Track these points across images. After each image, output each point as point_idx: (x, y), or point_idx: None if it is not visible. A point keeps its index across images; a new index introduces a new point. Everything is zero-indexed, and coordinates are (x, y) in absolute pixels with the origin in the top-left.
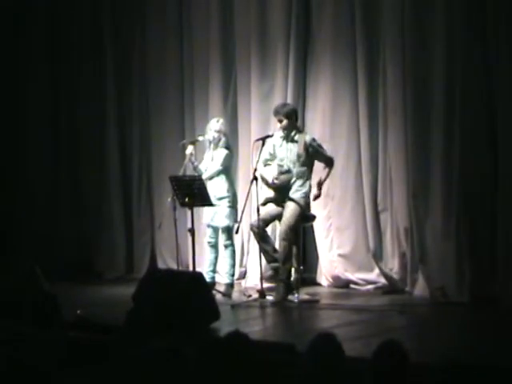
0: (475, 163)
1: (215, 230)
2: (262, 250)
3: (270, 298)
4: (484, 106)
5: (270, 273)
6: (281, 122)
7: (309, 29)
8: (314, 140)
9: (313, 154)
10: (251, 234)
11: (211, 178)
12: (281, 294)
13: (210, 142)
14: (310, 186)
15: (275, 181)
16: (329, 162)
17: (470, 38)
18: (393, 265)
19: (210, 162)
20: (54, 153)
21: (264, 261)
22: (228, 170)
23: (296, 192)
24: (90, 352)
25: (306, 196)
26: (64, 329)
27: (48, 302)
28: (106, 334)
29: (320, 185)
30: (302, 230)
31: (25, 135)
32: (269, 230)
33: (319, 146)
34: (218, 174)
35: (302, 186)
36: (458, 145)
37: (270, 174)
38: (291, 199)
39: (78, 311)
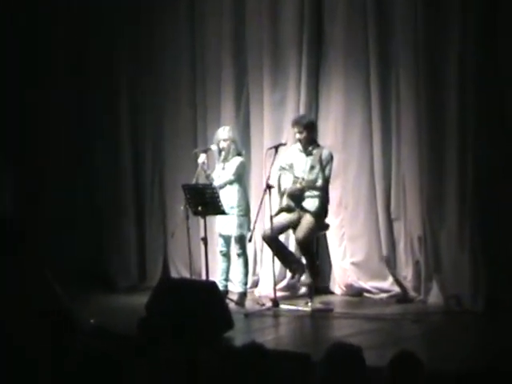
0: (490, 172)
1: (227, 239)
2: (279, 259)
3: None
4: (499, 114)
5: (285, 281)
6: (300, 133)
7: (321, 38)
8: (329, 156)
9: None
10: (263, 243)
11: (223, 186)
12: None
13: (221, 151)
14: (327, 195)
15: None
16: (319, 180)
17: (483, 42)
18: (406, 273)
19: (221, 170)
20: (71, 164)
21: (277, 269)
22: (241, 178)
23: (311, 202)
24: (102, 361)
25: (323, 205)
26: (77, 338)
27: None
28: (119, 343)
29: (290, 191)
30: (315, 240)
31: (45, 145)
32: (282, 237)
33: (328, 165)
34: (231, 182)
35: (316, 196)
36: (472, 153)
37: (286, 184)
38: (307, 211)
39: (91, 320)
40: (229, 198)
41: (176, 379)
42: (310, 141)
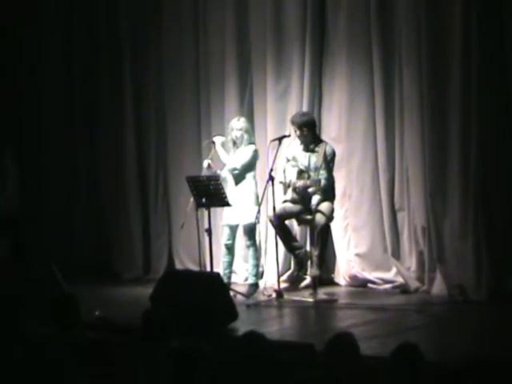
0: (493, 161)
1: (234, 229)
2: (283, 241)
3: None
4: (502, 104)
5: (290, 272)
6: (295, 132)
7: (324, 29)
8: (333, 153)
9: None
10: (268, 233)
11: (235, 170)
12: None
13: (235, 142)
14: (334, 196)
15: (297, 184)
16: (322, 181)
17: (486, 31)
18: (410, 264)
19: (228, 159)
20: (73, 154)
21: (282, 260)
22: (254, 167)
23: (321, 203)
24: (107, 352)
25: (332, 208)
26: (82, 329)
27: (68, 302)
28: (124, 335)
29: (295, 185)
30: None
31: (46, 138)
32: None
33: (332, 161)
34: (245, 169)
35: (326, 197)
36: (476, 143)
37: (289, 176)
38: (318, 211)
39: (96, 312)
40: (243, 186)
41: (176, 371)
42: (308, 138)
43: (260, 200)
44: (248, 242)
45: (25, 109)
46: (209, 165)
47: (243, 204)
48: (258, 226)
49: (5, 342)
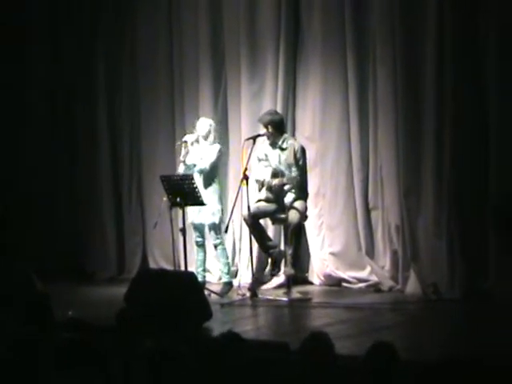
0: (466, 160)
1: (200, 228)
2: (257, 240)
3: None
4: (476, 103)
5: (265, 273)
6: (263, 130)
7: (298, 28)
8: (302, 150)
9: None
10: (242, 233)
11: (204, 170)
12: (290, 267)
13: (202, 138)
14: (307, 194)
15: (273, 183)
16: (296, 178)
17: (460, 33)
18: (384, 262)
19: (198, 158)
20: (50, 154)
21: (255, 259)
22: (217, 167)
23: (295, 201)
24: (81, 353)
25: (305, 207)
26: (55, 329)
27: (41, 301)
28: (98, 335)
29: (270, 184)
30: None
31: (24, 136)
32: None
33: (302, 157)
34: (213, 169)
35: (299, 196)
36: (449, 143)
37: (263, 176)
38: (293, 207)
39: (70, 312)
40: (204, 186)
41: (151, 370)
42: (274, 137)
43: (235, 199)
44: (215, 242)
45: (5, 108)
46: (184, 164)
47: (207, 203)
48: (231, 225)
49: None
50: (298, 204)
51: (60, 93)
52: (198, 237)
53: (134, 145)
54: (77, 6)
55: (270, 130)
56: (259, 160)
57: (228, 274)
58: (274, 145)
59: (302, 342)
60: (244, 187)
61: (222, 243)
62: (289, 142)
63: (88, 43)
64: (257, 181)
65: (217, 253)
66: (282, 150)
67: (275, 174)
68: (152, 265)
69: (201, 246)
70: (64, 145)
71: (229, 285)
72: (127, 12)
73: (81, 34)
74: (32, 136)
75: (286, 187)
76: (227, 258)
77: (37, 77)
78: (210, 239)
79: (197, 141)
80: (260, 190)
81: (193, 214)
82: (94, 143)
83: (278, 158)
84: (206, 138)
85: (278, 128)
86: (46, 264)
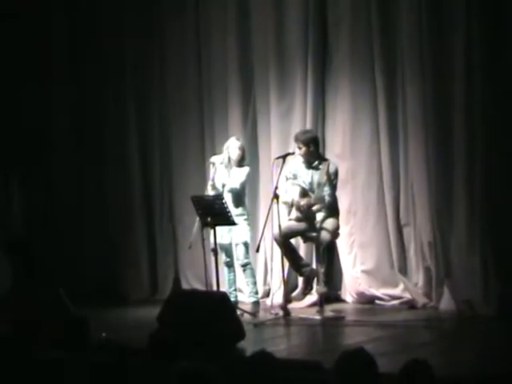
0: (499, 176)
1: (229, 248)
2: (289, 259)
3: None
4: (507, 119)
5: (297, 290)
6: (300, 149)
7: (326, 46)
8: (336, 170)
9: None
10: (274, 252)
11: (233, 191)
12: (323, 285)
13: (230, 160)
14: (339, 213)
15: (302, 203)
16: (326, 198)
17: (489, 50)
18: (417, 279)
19: (227, 178)
20: (80, 178)
21: (287, 278)
22: (245, 187)
23: (326, 219)
24: (115, 375)
25: (337, 224)
26: (92, 351)
27: (80, 325)
28: (131, 356)
29: (299, 204)
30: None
31: (52, 161)
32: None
33: (335, 178)
34: (243, 189)
35: (330, 214)
36: (481, 158)
37: (291, 196)
38: (323, 228)
39: (103, 334)
40: (234, 205)
41: None
42: (311, 156)
43: (265, 218)
44: (243, 262)
45: (33, 133)
46: (213, 185)
47: (238, 222)
48: (262, 244)
49: (18, 368)
50: (329, 223)
51: (89, 119)
52: (226, 256)
53: (164, 166)
54: (99, 31)
55: (305, 149)
56: (287, 179)
57: (256, 293)
58: (308, 164)
59: (339, 359)
60: (275, 206)
61: (250, 263)
62: (324, 162)
63: (118, 70)
64: (284, 203)
65: (245, 273)
66: (316, 169)
67: (303, 193)
68: (185, 285)
69: (230, 266)
70: (92, 169)
71: (257, 304)
72: (156, 40)
73: (111, 61)
74: (60, 160)
75: (315, 208)
76: (255, 277)
77: (66, 102)
78: (238, 259)
79: (228, 161)
80: (289, 212)
81: (220, 234)
82: (124, 166)
83: (311, 178)
84: (236, 163)
85: (315, 146)
86: (79, 287)
